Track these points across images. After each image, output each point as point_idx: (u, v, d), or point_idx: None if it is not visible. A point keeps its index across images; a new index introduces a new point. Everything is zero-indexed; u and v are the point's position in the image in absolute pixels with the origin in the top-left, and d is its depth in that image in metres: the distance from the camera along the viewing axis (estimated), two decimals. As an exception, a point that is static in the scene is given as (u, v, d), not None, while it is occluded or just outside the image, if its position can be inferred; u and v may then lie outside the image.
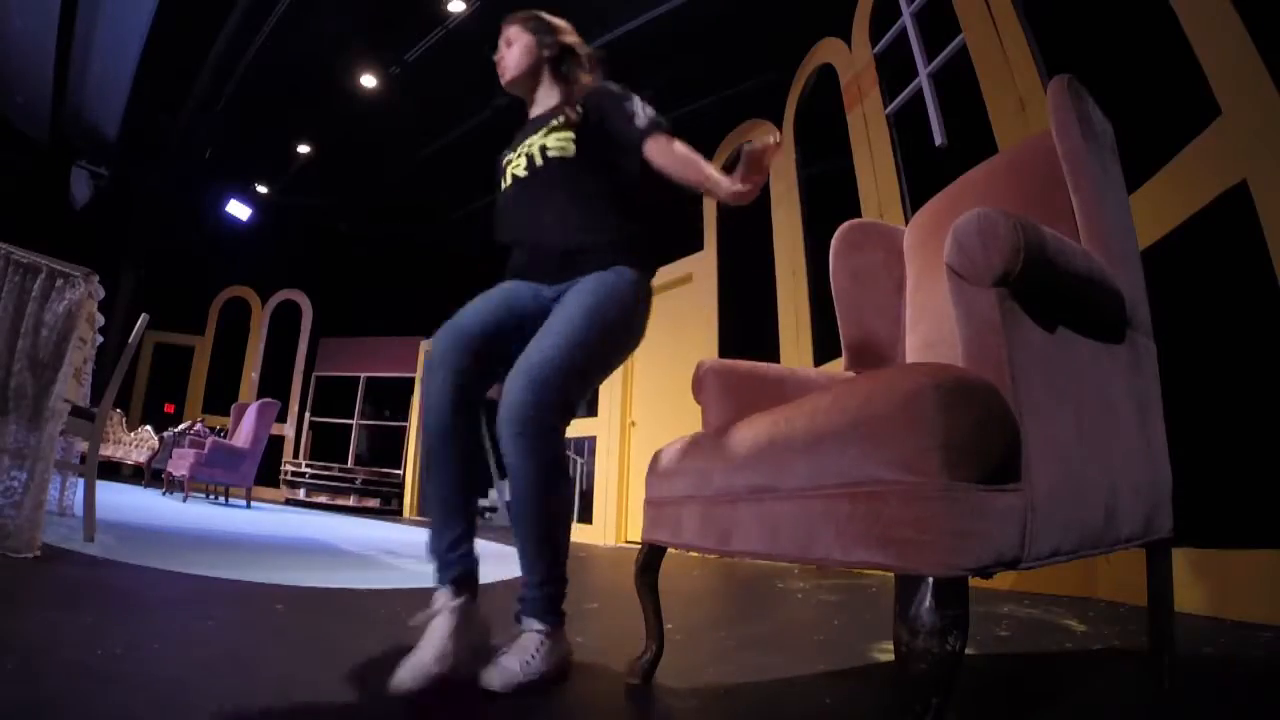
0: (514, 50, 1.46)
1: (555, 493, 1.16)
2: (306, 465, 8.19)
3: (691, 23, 5.32)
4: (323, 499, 7.99)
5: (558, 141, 1.34)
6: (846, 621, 1.94)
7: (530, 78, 1.46)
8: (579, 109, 1.36)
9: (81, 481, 2.44)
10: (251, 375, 8.96)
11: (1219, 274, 2.05)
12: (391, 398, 8.88)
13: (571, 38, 1.49)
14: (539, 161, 1.35)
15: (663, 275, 5.59)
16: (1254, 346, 1.89)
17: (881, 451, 0.68)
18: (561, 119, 1.36)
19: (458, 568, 1.19)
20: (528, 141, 1.40)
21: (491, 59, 1.50)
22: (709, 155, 5.42)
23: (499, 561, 3.42)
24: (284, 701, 0.93)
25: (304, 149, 7.65)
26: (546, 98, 1.46)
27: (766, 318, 4.60)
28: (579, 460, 7.59)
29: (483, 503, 8.27)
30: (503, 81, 1.50)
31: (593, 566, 3.58)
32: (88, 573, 1.79)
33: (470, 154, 7.31)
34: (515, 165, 1.39)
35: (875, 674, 1.32)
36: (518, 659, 1.09)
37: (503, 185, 1.42)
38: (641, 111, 1.30)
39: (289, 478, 8.15)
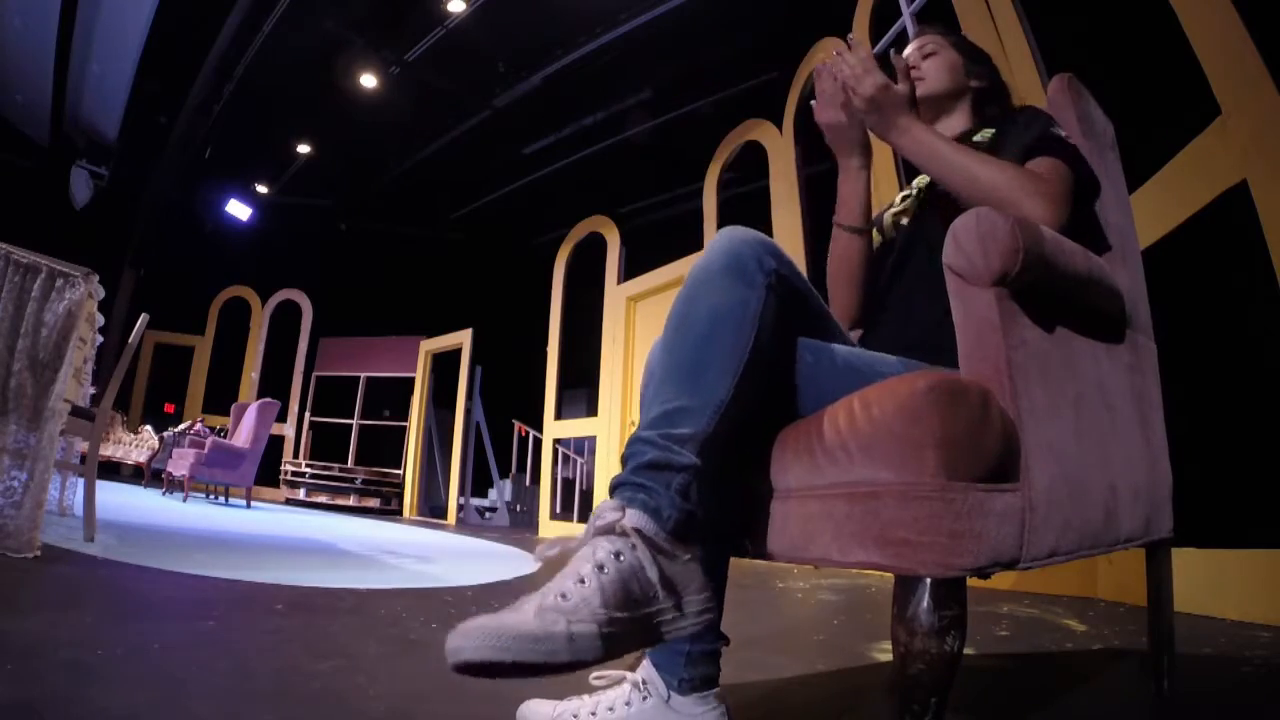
0: (935, 62, 1.21)
1: None
2: (306, 465, 8.19)
3: (691, 23, 5.32)
4: (323, 499, 7.99)
5: None
6: (846, 621, 1.94)
7: (947, 100, 1.21)
8: (991, 131, 1.11)
9: (81, 481, 2.44)
10: (251, 375, 8.96)
11: (1219, 274, 2.05)
12: (391, 398, 8.88)
13: (1001, 76, 1.25)
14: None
15: (662, 275, 5.61)
16: (1254, 346, 1.89)
17: (878, 452, 0.68)
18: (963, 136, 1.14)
19: None
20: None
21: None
22: (709, 155, 5.46)
23: (502, 560, 3.42)
24: (284, 701, 0.93)
25: (304, 149, 7.66)
26: (952, 126, 1.21)
27: (767, 317, 4.60)
28: (579, 460, 7.60)
29: (483, 503, 8.27)
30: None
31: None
32: (88, 573, 1.79)
33: (470, 154, 7.31)
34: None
35: (875, 674, 1.32)
36: None
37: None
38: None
39: (289, 478, 8.15)
